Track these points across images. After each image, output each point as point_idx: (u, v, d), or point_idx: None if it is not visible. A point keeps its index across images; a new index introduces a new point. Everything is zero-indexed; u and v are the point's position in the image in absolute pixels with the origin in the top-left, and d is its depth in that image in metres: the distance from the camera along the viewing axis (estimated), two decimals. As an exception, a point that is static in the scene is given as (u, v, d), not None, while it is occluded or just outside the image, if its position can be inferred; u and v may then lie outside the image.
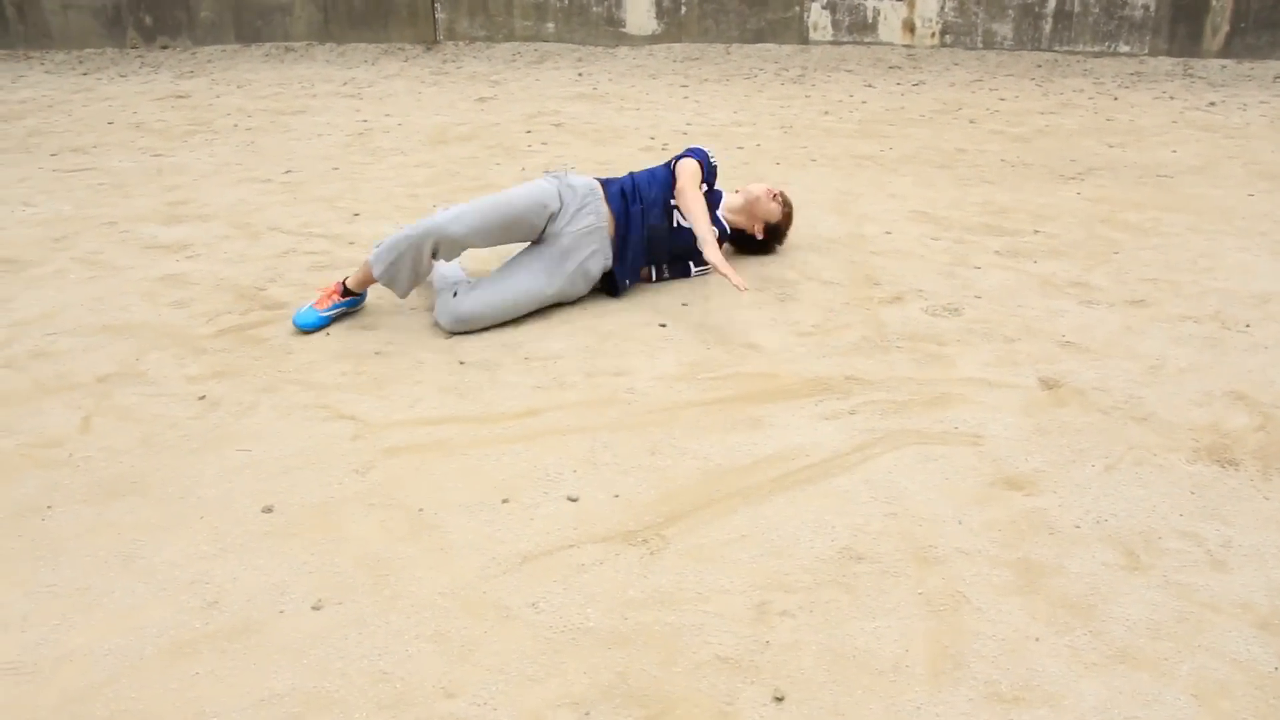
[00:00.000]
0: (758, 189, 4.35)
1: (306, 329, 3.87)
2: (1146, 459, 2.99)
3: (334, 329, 3.87)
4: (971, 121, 7.11)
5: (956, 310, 3.97)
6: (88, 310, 4.17)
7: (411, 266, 3.80)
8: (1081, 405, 3.28)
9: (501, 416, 3.22)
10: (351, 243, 4.75)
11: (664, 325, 3.82)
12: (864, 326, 3.81)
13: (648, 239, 4.05)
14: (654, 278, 4.24)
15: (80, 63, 10.00)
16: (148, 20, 10.14)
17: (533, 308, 3.90)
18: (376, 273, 3.84)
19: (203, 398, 3.38)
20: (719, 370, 3.49)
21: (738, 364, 3.53)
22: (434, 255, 3.79)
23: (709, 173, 4.15)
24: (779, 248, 4.56)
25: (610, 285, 4.08)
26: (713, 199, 4.29)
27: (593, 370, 3.51)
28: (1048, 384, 3.42)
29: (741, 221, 4.38)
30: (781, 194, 4.44)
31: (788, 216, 4.47)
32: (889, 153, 6.27)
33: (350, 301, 3.99)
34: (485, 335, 3.79)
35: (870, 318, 3.90)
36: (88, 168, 6.37)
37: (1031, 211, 5.19)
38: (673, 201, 4.07)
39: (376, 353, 3.67)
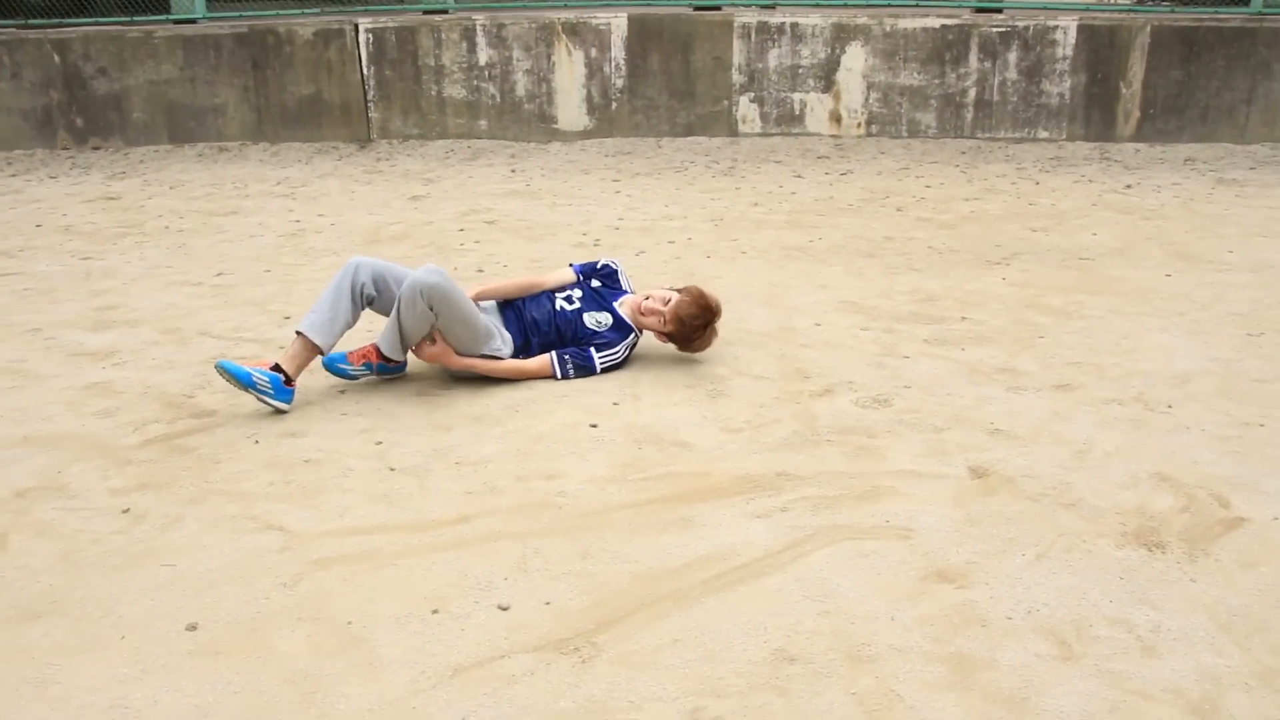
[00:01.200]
0: (647, 303, 4.36)
1: (330, 368, 4.23)
2: (1076, 545, 3.02)
3: (262, 435, 3.83)
4: (899, 209, 7.26)
5: (886, 401, 4.01)
6: (8, 422, 4.08)
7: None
8: (1011, 493, 3.32)
9: (432, 524, 3.18)
10: (282, 347, 4.72)
11: (595, 426, 3.82)
12: (795, 421, 3.84)
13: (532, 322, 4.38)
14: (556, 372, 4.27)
15: (9, 164, 9.92)
16: (79, 122, 10.10)
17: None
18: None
19: (126, 511, 3.31)
20: (650, 470, 3.49)
21: (669, 463, 3.53)
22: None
23: (593, 271, 4.59)
24: (698, 355, 4.50)
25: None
26: (606, 296, 4.46)
27: (524, 473, 3.49)
28: (977, 473, 3.45)
29: (649, 323, 4.39)
30: (702, 301, 4.33)
31: (702, 326, 4.35)
32: (818, 243, 6.37)
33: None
34: (415, 440, 3.76)
35: (801, 411, 3.93)
36: (13, 272, 6.29)
37: (958, 298, 5.29)
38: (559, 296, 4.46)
39: (305, 460, 3.63)
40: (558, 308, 4.35)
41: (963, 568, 2.90)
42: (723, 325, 4.83)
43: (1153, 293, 5.37)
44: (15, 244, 7.02)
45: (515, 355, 4.27)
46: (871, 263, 5.95)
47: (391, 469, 3.54)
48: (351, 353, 4.22)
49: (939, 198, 7.61)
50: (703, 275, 5.67)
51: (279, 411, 4.00)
